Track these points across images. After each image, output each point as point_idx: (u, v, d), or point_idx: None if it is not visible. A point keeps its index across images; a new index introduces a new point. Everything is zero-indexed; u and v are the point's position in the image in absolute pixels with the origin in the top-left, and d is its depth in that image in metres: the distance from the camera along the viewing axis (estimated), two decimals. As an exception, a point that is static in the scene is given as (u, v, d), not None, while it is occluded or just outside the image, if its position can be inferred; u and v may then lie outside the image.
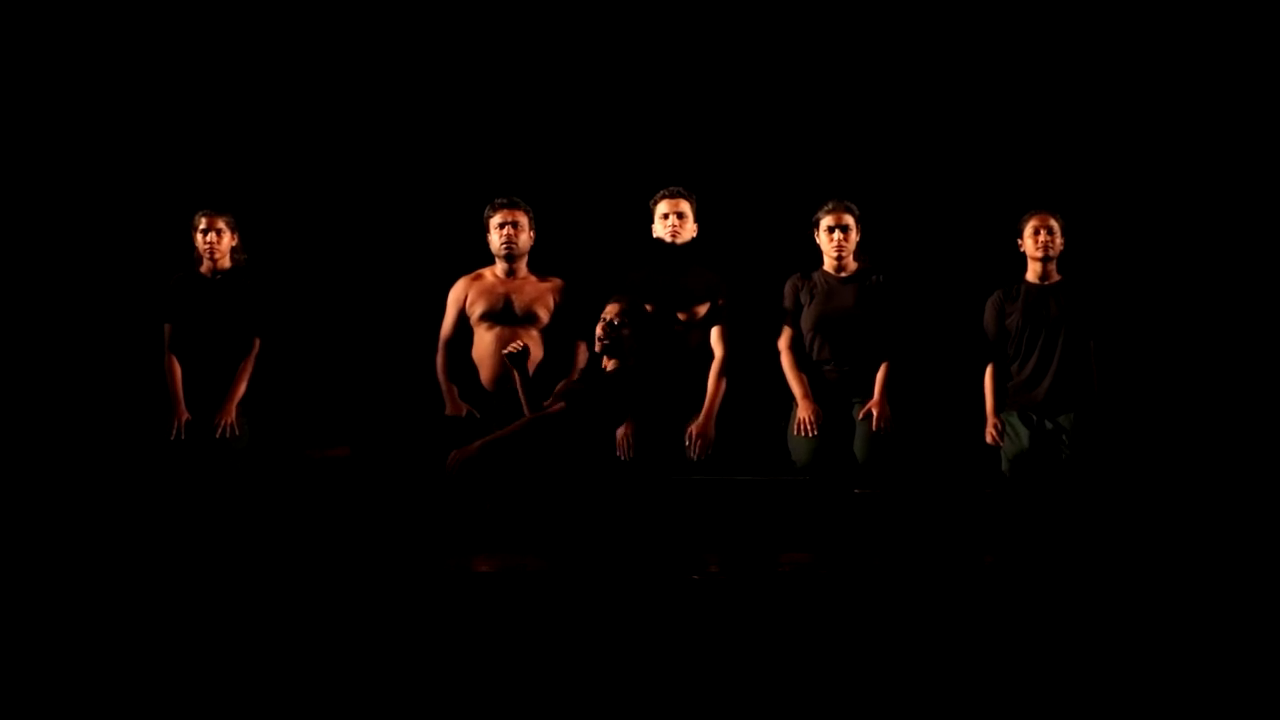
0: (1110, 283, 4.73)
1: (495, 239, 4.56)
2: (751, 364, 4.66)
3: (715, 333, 4.57)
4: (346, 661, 3.25)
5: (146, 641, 3.43)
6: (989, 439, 4.54)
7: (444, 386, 4.56)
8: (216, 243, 4.71)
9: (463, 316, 4.58)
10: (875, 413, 4.48)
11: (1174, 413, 4.99)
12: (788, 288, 4.65)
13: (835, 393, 4.57)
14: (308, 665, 3.21)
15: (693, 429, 4.45)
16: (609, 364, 4.24)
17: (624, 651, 3.37)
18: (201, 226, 4.70)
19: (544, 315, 4.55)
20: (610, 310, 4.22)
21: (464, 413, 4.51)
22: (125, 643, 3.41)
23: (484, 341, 4.55)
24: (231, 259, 4.76)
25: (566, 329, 4.56)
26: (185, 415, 4.60)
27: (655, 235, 4.63)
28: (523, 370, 4.19)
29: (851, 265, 4.63)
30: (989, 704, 2.97)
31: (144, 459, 4.63)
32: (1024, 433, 4.51)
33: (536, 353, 4.51)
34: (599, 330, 4.22)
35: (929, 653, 3.38)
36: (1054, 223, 4.58)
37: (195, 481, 4.50)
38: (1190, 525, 4.71)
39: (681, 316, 4.57)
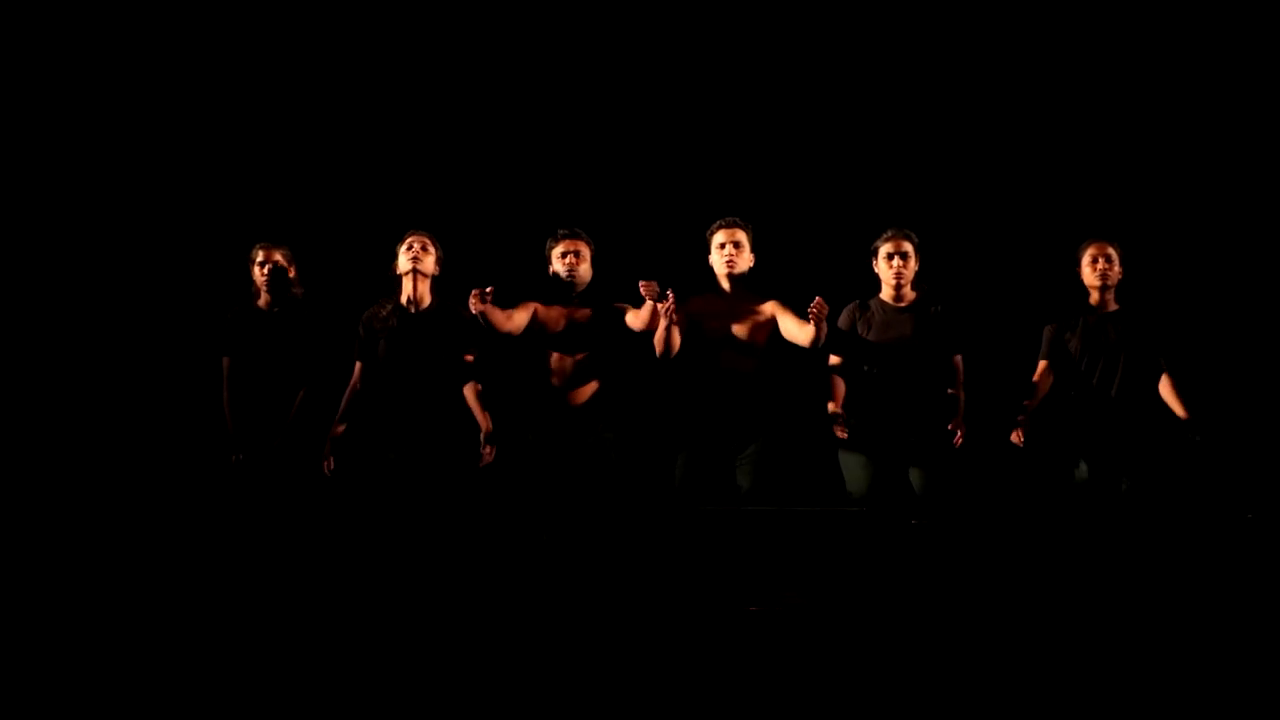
0: (1169, 310, 4.71)
1: (559, 269, 4.58)
2: (808, 392, 4.65)
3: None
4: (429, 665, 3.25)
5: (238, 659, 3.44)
6: (1015, 438, 4.52)
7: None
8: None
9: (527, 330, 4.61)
10: (957, 431, 4.48)
11: (1237, 437, 4.96)
12: (844, 314, 4.62)
13: (892, 422, 4.53)
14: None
15: None
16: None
17: (678, 684, 3.35)
18: (259, 259, 4.71)
19: (602, 340, 4.57)
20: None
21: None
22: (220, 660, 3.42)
23: (545, 359, 4.59)
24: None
25: (621, 354, 4.59)
26: (243, 447, 4.61)
27: (711, 264, 4.63)
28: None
29: (909, 294, 4.61)
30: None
31: (204, 490, 4.64)
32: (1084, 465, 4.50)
33: (592, 377, 4.56)
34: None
35: (989, 682, 3.34)
36: (1112, 251, 4.59)
37: (255, 512, 4.51)
38: (1254, 554, 4.67)
39: (739, 341, 4.55)
